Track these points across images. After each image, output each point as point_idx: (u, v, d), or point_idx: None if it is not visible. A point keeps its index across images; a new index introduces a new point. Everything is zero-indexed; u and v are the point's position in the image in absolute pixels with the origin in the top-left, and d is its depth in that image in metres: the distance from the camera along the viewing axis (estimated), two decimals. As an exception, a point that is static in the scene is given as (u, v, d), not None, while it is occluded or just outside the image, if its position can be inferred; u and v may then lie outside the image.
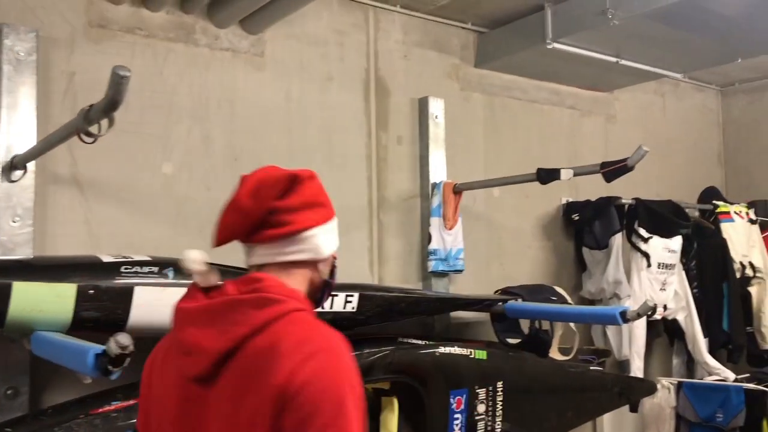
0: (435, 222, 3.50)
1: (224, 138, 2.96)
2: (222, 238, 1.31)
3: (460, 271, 3.52)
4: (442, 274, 3.52)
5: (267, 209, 1.27)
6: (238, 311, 1.21)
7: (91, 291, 2.03)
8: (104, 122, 1.71)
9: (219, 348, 1.19)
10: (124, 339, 1.51)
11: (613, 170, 2.78)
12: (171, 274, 2.19)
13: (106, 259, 2.17)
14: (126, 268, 2.13)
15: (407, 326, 3.39)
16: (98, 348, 1.60)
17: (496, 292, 3.58)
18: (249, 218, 1.27)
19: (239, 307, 1.22)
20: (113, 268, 2.12)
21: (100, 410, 1.90)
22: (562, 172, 2.98)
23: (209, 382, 1.20)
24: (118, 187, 2.68)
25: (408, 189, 3.59)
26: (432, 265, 3.46)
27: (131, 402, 1.97)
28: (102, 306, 2.05)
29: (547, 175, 3.05)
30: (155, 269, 2.17)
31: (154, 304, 2.14)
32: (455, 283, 3.66)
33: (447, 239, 3.49)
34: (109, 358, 1.52)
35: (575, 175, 2.97)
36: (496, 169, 3.79)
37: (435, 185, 3.55)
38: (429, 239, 3.47)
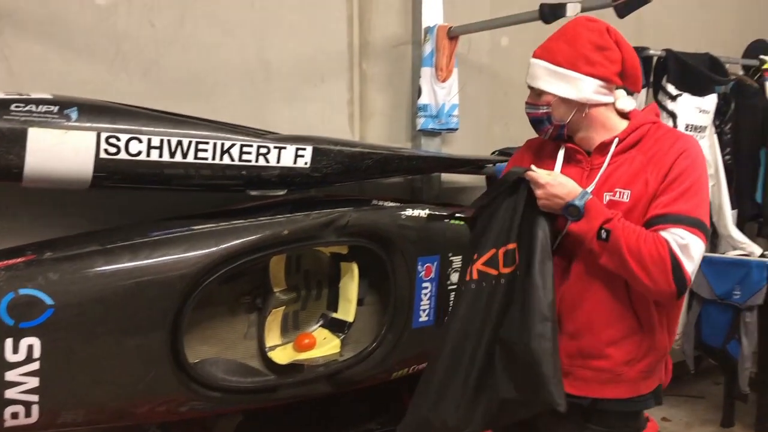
0: (426, 73, 3.06)
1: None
2: None
3: (454, 129, 3.10)
4: (434, 134, 3.12)
5: None
6: None
7: (-27, 131, 1.73)
8: None
9: None
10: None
11: (627, 1, 2.27)
12: (74, 115, 1.87)
13: (-5, 95, 1.85)
14: (18, 107, 1.81)
15: (393, 190, 3.07)
16: None
17: (493, 153, 3.19)
18: None
19: None
20: (2, 106, 1.80)
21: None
22: (569, 6, 2.48)
23: None
24: (40, 19, 2.32)
25: (397, 34, 3.13)
26: (421, 122, 3.06)
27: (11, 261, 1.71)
28: (-11, 150, 1.76)
29: (551, 12, 2.55)
30: (54, 108, 1.84)
31: (55, 149, 1.84)
32: (450, 143, 3.27)
33: (439, 93, 3.05)
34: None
35: (583, 10, 2.47)
36: (506, 11, 3.26)
37: (428, 29, 3.08)
38: (419, 93, 3.06)
